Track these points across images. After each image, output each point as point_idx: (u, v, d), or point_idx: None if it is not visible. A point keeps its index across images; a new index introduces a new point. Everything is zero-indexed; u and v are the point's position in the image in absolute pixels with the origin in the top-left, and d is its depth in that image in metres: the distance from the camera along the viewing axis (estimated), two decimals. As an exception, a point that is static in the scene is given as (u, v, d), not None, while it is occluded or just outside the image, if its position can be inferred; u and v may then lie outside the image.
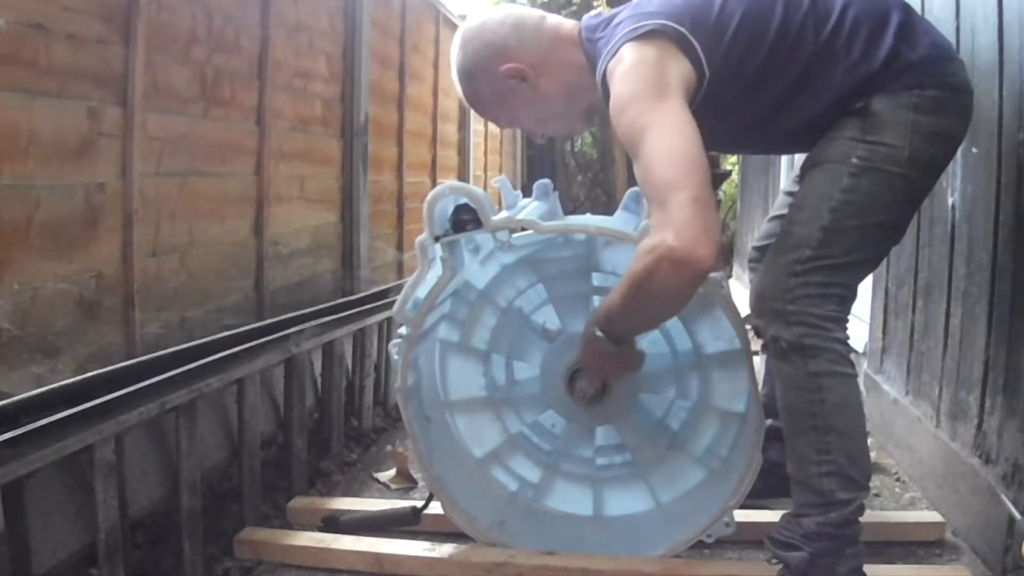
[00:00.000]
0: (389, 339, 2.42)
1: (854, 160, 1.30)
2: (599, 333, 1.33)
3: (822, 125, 1.35)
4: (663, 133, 1.19)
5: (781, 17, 1.30)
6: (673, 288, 1.18)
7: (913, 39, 1.30)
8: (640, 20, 1.30)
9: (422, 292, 1.51)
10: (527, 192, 1.72)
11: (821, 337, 1.30)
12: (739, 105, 1.36)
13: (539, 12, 1.49)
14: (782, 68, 1.32)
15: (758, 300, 1.38)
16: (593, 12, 1.47)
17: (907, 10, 1.34)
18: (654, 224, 1.19)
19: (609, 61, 1.30)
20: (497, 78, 1.44)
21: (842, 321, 1.34)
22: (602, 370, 1.46)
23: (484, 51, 1.44)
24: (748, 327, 1.45)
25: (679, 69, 1.27)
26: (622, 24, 1.33)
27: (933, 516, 1.71)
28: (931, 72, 1.29)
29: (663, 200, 1.16)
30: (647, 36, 1.27)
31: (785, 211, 1.53)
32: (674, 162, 1.17)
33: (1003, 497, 1.43)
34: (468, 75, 1.47)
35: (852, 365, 1.34)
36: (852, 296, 1.38)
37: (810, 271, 1.31)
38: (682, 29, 1.28)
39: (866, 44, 1.29)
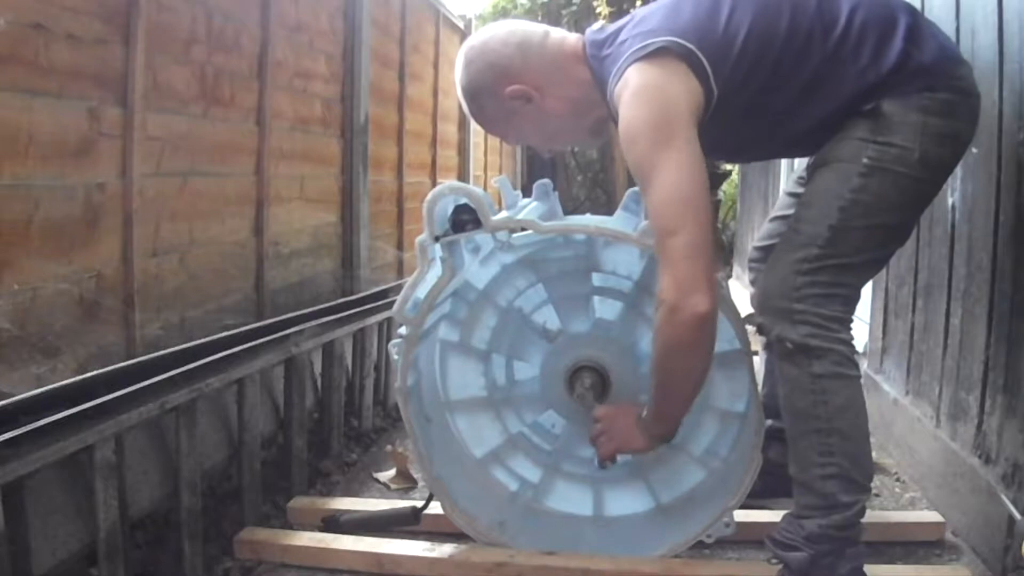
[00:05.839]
0: (389, 339, 2.42)
1: (864, 160, 1.29)
2: (654, 441, 1.42)
3: (830, 128, 1.34)
4: (668, 174, 1.21)
5: (788, 25, 1.29)
6: (682, 339, 1.23)
7: (921, 42, 1.29)
8: (646, 38, 1.27)
9: (422, 292, 1.51)
10: (527, 192, 1.72)
11: (826, 338, 1.30)
12: (748, 114, 1.34)
13: (543, 28, 1.47)
14: (791, 76, 1.30)
15: (764, 298, 1.38)
16: (596, 26, 1.45)
17: (914, 13, 1.33)
18: (660, 267, 1.25)
19: (617, 83, 1.28)
20: (502, 99, 1.42)
21: (846, 322, 1.34)
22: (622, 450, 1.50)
23: (488, 72, 1.42)
24: (750, 326, 1.45)
25: (687, 92, 1.25)
26: (627, 42, 1.31)
27: (933, 516, 1.71)
28: (941, 75, 1.29)
29: (662, 243, 1.24)
30: (654, 55, 1.25)
31: (788, 211, 1.53)
32: (675, 204, 1.22)
33: (1003, 497, 1.43)
34: (473, 95, 1.46)
35: (856, 367, 1.33)
36: (856, 297, 1.37)
37: (817, 270, 1.31)
38: (690, 46, 1.25)
39: (875, 49, 1.28)
